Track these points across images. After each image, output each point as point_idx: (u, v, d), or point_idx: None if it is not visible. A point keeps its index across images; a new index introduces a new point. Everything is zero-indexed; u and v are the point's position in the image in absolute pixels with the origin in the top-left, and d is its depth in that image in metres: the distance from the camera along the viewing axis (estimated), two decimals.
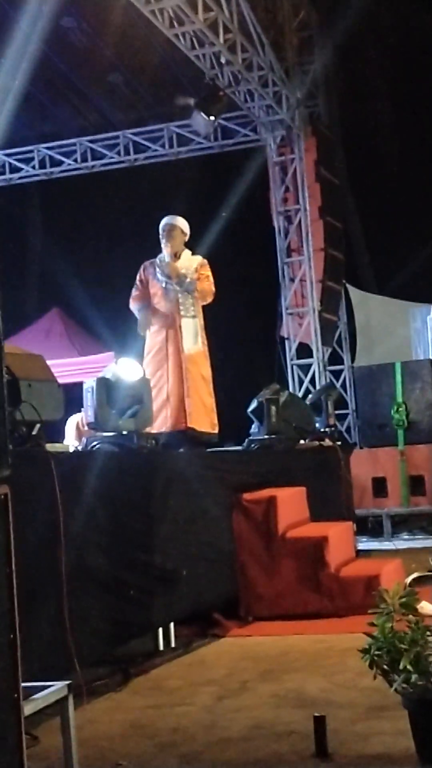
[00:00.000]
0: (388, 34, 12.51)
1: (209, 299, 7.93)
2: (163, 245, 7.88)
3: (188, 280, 7.75)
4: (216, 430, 7.85)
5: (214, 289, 7.90)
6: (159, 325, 7.81)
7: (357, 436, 12.62)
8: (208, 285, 7.86)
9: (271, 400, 8.29)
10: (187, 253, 7.95)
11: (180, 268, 7.80)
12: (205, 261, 7.98)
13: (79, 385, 9.02)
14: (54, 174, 14.34)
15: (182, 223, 7.95)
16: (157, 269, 7.85)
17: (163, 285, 7.80)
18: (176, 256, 7.84)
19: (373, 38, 12.64)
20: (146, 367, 7.49)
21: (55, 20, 11.41)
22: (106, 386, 5.98)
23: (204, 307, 7.99)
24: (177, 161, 13.88)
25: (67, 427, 9.93)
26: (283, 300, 13.01)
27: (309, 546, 6.69)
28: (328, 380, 12.74)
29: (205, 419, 7.72)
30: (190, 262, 7.90)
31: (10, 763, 2.60)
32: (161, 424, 7.45)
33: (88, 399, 5.92)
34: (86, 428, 9.96)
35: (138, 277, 7.94)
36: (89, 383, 5.96)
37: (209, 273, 7.91)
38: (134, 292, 7.95)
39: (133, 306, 7.95)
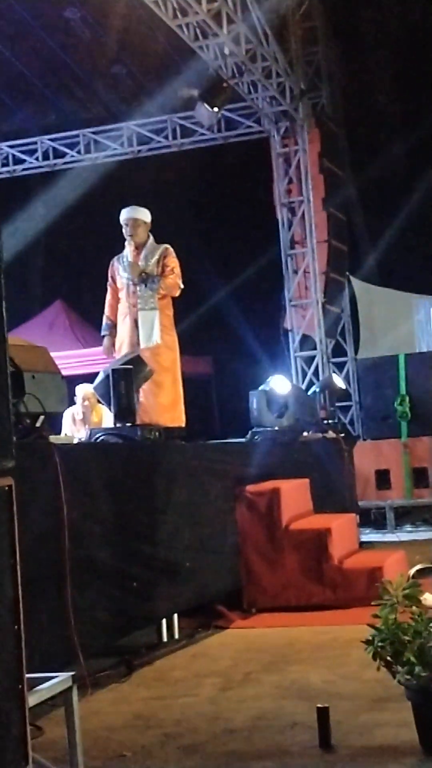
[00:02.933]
0: (391, 25, 12.46)
1: (176, 293, 7.76)
2: (126, 241, 7.74)
3: (150, 278, 7.60)
4: (179, 424, 7.61)
5: (179, 281, 7.72)
6: (122, 318, 7.77)
7: (360, 428, 12.61)
8: (172, 279, 7.68)
9: (255, 393, 8.29)
10: (150, 242, 7.78)
11: (141, 265, 7.66)
12: (170, 249, 7.76)
13: (83, 376, 9.05)
14: (57, 166, 14.32)
15: (144, 215, 7.77)
16: (121, 266, 7.76)
17: (126, 282, 7.71)
18: (138, 248, 7.71)
19: (377, 29, 12.59)
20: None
21: (58, 12, 11.42)
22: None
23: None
24: (180, 152, 13.85)
25: (64, 419, 9.97)
26: (287, 292, 13.00)
27: (312, 538, 6.70)
28: (329, 374, 12.63)
29: (164, 416, 7.53)
30: (153, 253, 7.72)
31: (15, 754, 2.60)
32: None
33: (122, 387, 5.95)
34: (81, 420, 10.04)
35: (109, 275, 7.85)
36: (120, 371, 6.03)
37: (174, 263, 7.72)
38: (108, 297, 7.87)
39: (104, 320, 7.94)
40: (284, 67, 12.10)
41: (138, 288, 7.64)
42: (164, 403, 7.61)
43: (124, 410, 6.02)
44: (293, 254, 13.03)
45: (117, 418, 6.06)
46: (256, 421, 8.18)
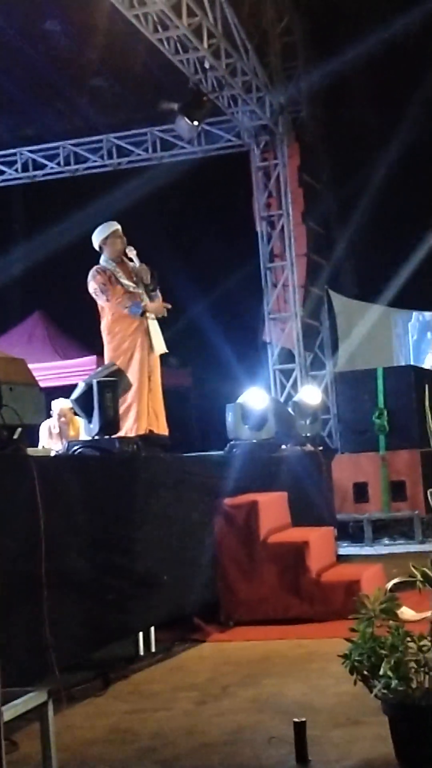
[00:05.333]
0: (371, 40, 12.54)
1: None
2: (128, 249, 7.64)
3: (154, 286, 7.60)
4: (167, 433, 7.73)
5: None
6: (127, 327, 7.58)
7: (339, 441, 12.63)
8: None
9: (231, 406, 8.30)
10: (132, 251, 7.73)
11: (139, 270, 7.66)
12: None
13: (61, 388, 8.97)
14: (37, 177, 14.32)
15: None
16: (117, 274, 7.60)
17: (131, 289, 7.58)
18: (129, 258, 7.68)
19: (357, 44, 12.67)
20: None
21: (39, 23, 11.42)
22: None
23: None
24: (160, 165, 13.88)
25: (40, 432, 9.95)
26: (266, 305, 13.04)
27: (290, 551, 6.70)
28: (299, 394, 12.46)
29: (162, 423, 7.64)
30: (139, 261, 7.69)
31: None
32: (131, 427, 7.37)
33: (107, 399, 5.95)
34: (58, 434, 10.03)
35: (101, 282, 7.56)
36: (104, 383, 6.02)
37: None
38: (110, 296, 7.55)
39: (131, 302, 7.53)
40: (264, 82, 12.17)
41: (142, 298, 7.60)
42: (163, 411, 7.67)
43: (109, 422, 6.00)
44: (272, 267, 13.09)
45: (102, 430, 6.02)
46: (232, 434, 8.19)
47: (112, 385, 6.13)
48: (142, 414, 7.42)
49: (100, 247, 7.74)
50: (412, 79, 12.52)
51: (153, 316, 7.64)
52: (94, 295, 7.65)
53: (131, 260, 7.71)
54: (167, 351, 7.72)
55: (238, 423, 8.19)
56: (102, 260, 7.69)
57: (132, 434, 7.15)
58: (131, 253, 7.69)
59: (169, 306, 7.70)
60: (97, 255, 7.76)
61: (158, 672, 5.44)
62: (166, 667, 5.56)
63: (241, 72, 11.52)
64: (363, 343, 13.89)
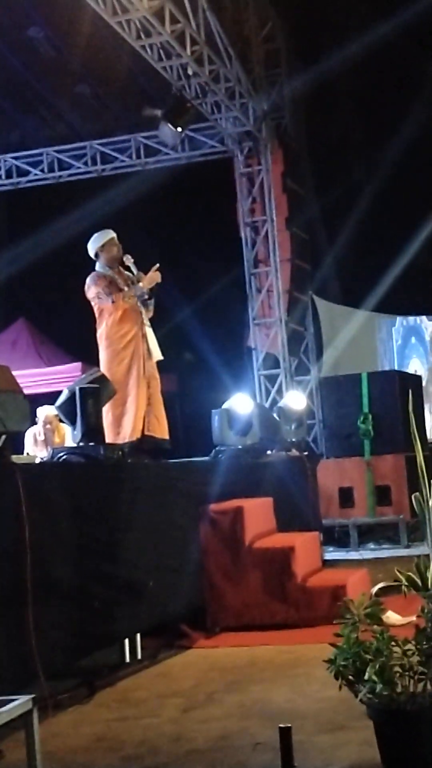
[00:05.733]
0: (354, 46, 12.60)
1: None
2: (125, 257, 7.61)
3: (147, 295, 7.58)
4: (167, 437, 7.74)
5: None
6: (125, 334, 7.51)
7: (324, 446, 12.65)
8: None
9: (217, 412, 8.31)
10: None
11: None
12: None
13: (45, 395, 8.95)
14: (21, 184, 14.29)
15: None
16: (116, 280, 7.56)
17: (138, 294, 7.49)
18: (125, 266, 7.67)
19: (340, 50, 12.73)
20: (110, 373, 7.26)
21: (22, 30, 11.43)
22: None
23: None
24: (144, 172, 13.89)
25: (26, 439, 9.92)
26: (250, 310, 13.05)
27: (276, 556, 6.70)
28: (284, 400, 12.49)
29: (164, 427, 7.62)
30: (137, 270, 7.68)
31: None
32: (129, 433, 7.35)
33: (89, 406, 5.94)
34: (43, 441, 10.01)
35: (104, 286, 7.42)
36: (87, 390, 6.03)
37: None
38: (112, 296, 7.39)
39: (123, 296, 7.43)
40: (247, 88, 12.19)
41: (140, 306, 7.54)
42: (164, 416, 7.65)
43: (92, 429, 6.00)
44: (257, 273, 13.10)
45: (84, 437, 6.01)
46: (218, 440, 8.19)
47: (95, 391, 6.13)
48: (139, 421, 7.39)
49: (96, 254, 7.66)
50: (395, 84, 12.59)
51: (146, 322, 7.61)
52: (96, 299, 7.46)
53: (127, 268, 7.68)
54: (162, 358, 7.66)
55: (223, 429, 8.19)
56: (98, 267, 7.63)
57: (128, 440, 7.16)
58: (129, 261, 7.64)
59: (158, 264, 7.65)
60: (86, 262, 7.71)
61: (144, 679, 5.43)
62: (152, 674, 5.56)
63: (224, 78, 11.54)
64: (347, 348, 13.93)
